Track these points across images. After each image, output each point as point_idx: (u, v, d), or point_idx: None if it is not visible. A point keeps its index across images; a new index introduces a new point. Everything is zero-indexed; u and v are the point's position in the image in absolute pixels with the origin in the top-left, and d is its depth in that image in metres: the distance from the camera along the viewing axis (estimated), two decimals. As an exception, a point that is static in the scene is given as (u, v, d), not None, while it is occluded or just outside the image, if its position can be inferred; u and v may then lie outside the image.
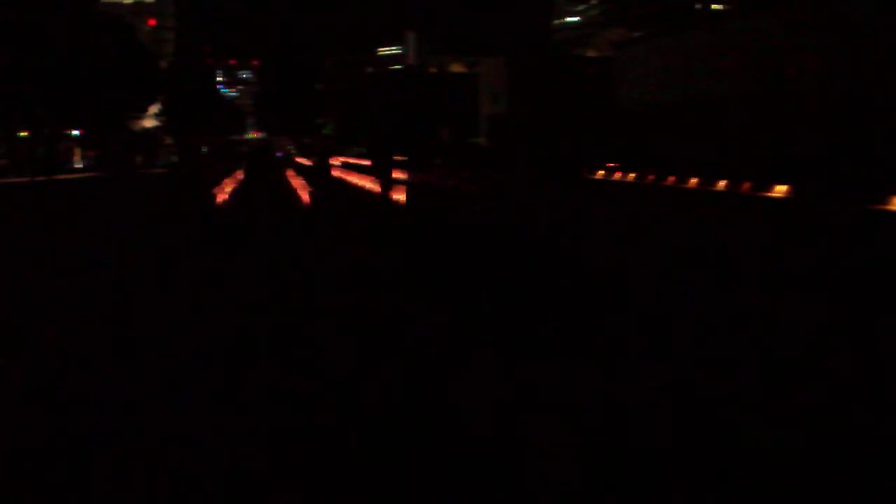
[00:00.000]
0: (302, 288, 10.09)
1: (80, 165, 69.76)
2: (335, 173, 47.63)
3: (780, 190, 24.36)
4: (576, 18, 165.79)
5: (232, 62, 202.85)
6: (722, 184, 27.93)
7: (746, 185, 26.27)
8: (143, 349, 7.27)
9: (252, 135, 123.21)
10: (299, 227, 18.35)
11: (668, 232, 16.23)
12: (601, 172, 39.63)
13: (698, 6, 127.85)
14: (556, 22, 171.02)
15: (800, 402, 5.57)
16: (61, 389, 6.12)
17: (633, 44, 52.07)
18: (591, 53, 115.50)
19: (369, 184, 31.34)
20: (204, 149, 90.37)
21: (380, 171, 32.26)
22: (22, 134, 61.13)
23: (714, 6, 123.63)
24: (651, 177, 33.93)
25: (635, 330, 7.53)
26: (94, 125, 58.85)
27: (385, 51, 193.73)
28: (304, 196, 26.76)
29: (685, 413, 5.32)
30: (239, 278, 11.03)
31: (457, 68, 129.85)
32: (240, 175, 44.84)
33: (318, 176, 45.44)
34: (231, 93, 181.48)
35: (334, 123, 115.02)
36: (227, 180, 33.08)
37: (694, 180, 30.18)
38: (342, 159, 75.64)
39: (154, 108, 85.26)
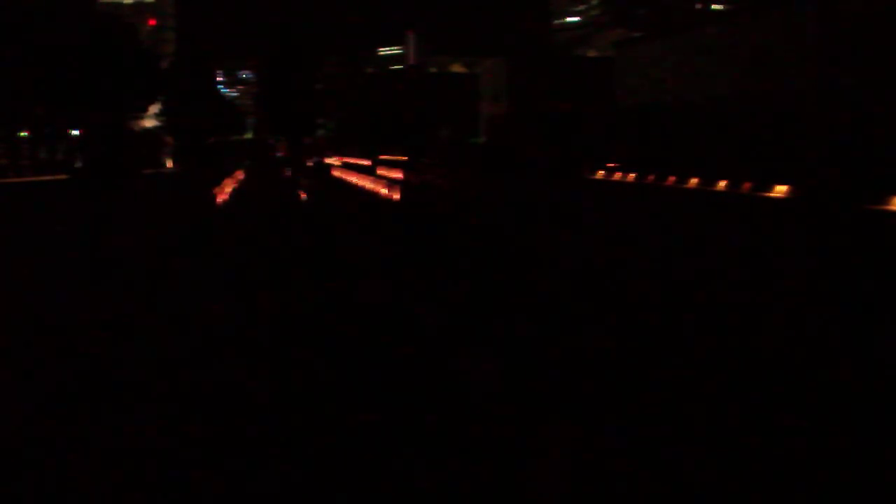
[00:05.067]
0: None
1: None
2: (335, 173, 47.63)
3: (780, 190, 24.36)
4: (576, 18, 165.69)
5: (232, 62, 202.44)
6: (722, 184, 27.93)
7: (746, 185, 26.27)
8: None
9: (251, 135, 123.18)
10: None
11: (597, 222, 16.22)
12: (601, 172, 39.60)
13: (698, 6, 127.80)
14: (557, 22, 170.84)
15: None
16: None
17: (634, 44, 52.06)
18: (591, 53, 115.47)
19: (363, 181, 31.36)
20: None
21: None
22: (22, 134, 61.07)
23: (714, 6, 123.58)
24: (651, 177, 33.92)
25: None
26: (95, 125, 58.46)
27: (385, 51, 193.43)
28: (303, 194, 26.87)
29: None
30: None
31: (457, 68, 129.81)
32: (240, 175, 44.73)
33: (317, 175, 45.37)
34: (231, 93, 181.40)
35: (334, 123, 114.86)
36: (227, 180, 33.05)
37: (694, 180, 30.18)
38: (343, 159, 75.59)
39: (154, 108, 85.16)
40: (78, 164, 52.96)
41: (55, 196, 34.16)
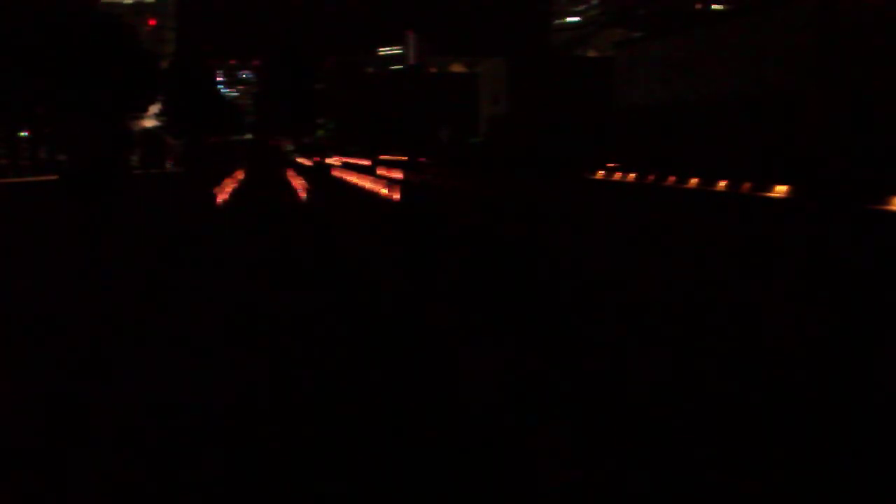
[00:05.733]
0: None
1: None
2: (335, 173, 47.69)
3: (780, 190, 24.36)
4: (576, 18, 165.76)
5: (232, 62, 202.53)
6: (722, 184, 27.94)
7: (746, 185, 26.28)
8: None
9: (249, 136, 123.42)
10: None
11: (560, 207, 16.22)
12: (601, 172, 39.61)
13: (698, 6, 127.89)
14: (557, 22, 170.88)
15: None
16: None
17: (633, 44, 52.06)
18: (591, 53, 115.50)
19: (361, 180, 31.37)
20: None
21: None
22: (22, 134, 61.11)
23: (714, 6, 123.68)
24: (651, 177, 33.93)
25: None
26: (84, 124, 57.93)
27: (385, 51, 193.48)
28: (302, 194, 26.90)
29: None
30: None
31: (457, 68, 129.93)
32: (240, 175, 44.69)
33: (317, 176, 45.40)
34: (231, 93, 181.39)
35: (334, 123, 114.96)
36: (227, 180, 33.04)
37: (694, 180, 30.18)
38: (343, 159, 75.69)
39: (154, 108, 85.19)
40: (65, 165, 49.54)
41: (35, 198, 32.33)
